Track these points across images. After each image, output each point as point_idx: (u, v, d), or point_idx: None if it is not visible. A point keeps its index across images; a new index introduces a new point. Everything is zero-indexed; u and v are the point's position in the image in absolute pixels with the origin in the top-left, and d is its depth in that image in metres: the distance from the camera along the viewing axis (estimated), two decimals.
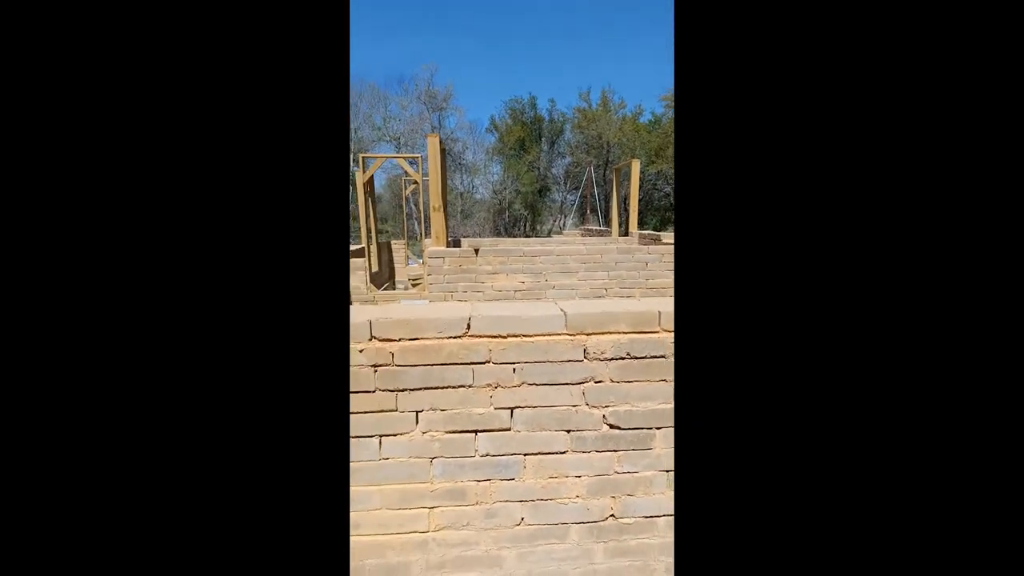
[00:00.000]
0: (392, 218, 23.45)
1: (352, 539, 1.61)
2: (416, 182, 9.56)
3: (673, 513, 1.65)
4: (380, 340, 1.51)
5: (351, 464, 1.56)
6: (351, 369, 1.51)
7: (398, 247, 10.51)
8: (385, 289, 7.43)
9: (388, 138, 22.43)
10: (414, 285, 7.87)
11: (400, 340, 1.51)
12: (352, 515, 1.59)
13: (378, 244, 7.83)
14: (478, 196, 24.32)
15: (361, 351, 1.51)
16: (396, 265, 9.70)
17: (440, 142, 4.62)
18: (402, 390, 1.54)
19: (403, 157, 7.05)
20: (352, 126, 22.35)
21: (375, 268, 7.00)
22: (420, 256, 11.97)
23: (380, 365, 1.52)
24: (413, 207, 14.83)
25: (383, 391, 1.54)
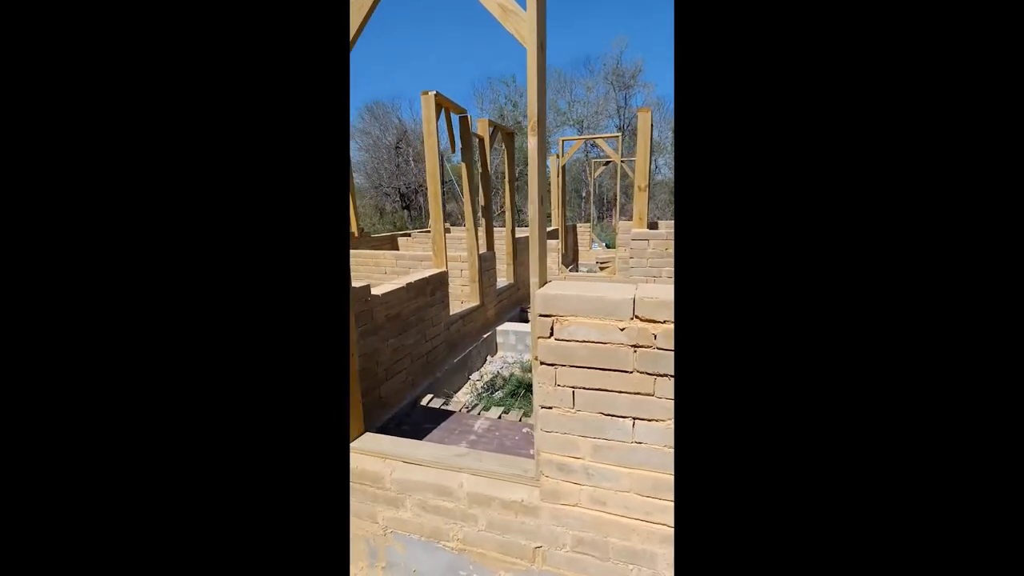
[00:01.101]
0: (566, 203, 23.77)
1: (596, 514, 1.62)
2: (608, 162, 9.40)
3: None
4: (643, 320, 1.45)
5: (601, 440, 1.56)
6: (610, 347, 1.49)
7: (582, 230, 10.59)
8: (571, 271, 7.54)
9: (571, 122, 22.68)
10: (601, 268, 7.82)
11: (665, 323, 1.42)
12: (598, 491, 1.60)
13: (564, 227, 7.99)
14: (659, 176, 22.89)
15: (622, 329, 1.47)
16: (579, 248, 9.79)
17: (650, 117, 4.36)
18: (661, 375, 1.46)
19: (603, 137, 6.95)
20: None
21: (564, 250, 7.15)
22: (602, 239, 11.87)
23: (640, 346, 1.46)
24: (590, 190, 14.68)
25: (641, 373, 1.48)
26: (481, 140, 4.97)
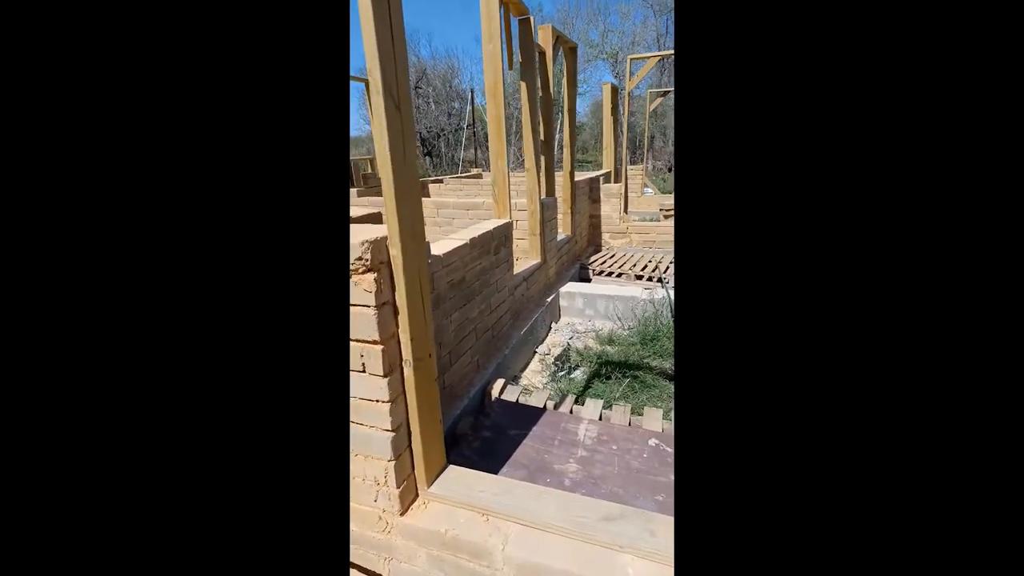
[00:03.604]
0: (592, 147, 21.90)
1: None
2: (667, 92, 8.15)
3: None
4: None
5: None
6: None
7: (633, 173, 9.45)
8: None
9: (604, 55, 20.56)
10: (666, 217, 6.84)
11: None
12: None
13: (624, 170, 6.96)
14: None
15: None
16: (631, 195, 8.72)
17: None
18: None
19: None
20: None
21: (625, 197, 6.16)
22: (655, 183, 10.72)
23: None
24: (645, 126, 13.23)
25: None
26: (543, 54, 3.95)
